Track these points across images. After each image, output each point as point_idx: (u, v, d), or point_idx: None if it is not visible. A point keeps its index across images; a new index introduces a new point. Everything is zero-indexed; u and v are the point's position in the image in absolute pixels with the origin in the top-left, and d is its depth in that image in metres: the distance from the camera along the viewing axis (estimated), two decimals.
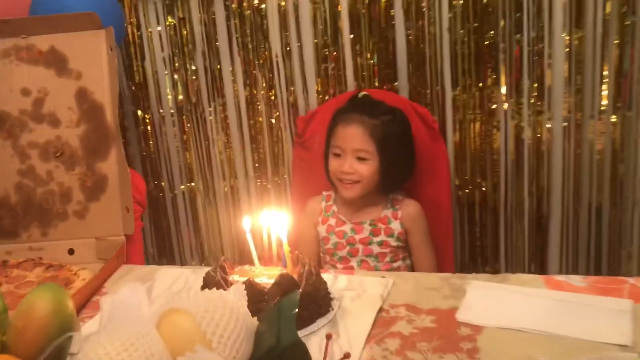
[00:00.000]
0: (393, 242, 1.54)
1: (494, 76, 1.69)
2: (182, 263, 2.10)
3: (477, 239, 1.83)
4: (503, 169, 1.76)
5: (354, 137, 1.50)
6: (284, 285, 1.08)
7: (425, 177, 1.62)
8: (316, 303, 1.11)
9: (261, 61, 1.84)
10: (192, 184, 2.01)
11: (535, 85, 1.67)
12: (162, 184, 2.03)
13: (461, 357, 0.96)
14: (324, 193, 1.65)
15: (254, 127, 1.92)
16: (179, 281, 1.32)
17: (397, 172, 1.54)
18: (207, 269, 1.36)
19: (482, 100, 1.72)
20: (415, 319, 1.08)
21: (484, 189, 1.78)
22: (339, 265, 1.57)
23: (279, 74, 1.85)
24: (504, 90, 1.70)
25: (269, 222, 1.19)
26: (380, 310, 1.12)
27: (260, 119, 1.90)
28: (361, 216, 1.57)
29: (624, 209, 1.68)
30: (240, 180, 1.98)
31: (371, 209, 1.58)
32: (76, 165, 1.44)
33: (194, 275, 1.34)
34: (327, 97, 1.83)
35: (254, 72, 1.86)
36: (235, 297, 0.78)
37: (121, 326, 0.71)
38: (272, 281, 1.10)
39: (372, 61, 1.77)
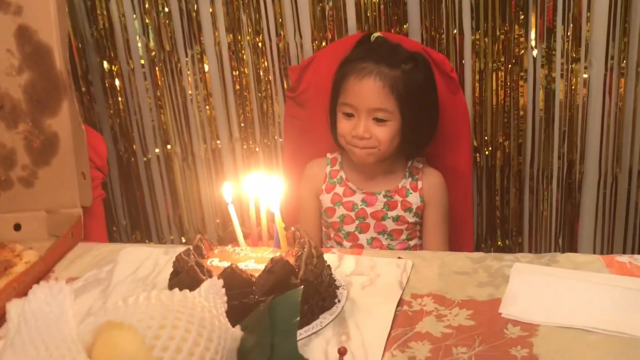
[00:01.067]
0: (410, 218, 1.30)
1: (522, 17, 1.43)
2: (159, 237, 1.85)
3: (497, 208, 1.59)
4: (530, 128, 1.51)
5: (371, 93, 1.22)
6: (277, 272, 0.84)
7: (442, 137, 1.37)
8: (319, 294, 0.87)
9: (246, 0, 1.56)
10: (168, 146, 1.75)
11: (571, 26, 1.41)
12: (134, 147, 1.76)
13: None
14: (329, 155, 1.39)
15: (238, 80, 1.65)
16: (146, 264, 1.08)
17: (421, 134, 1.28)
18: (183, 248, 1.12)
19: (507, 45, 1.45)
20: (446, 315, 0.84)
21: (507, 150, 1.53)
22: (345, 243, 1.32)
23: (267, 16, 1.57)
24: (533, 34, 1.44)
25: (257, 190, 0.94)
26: (400, 302, 0.88)
27: (246, 70, 1.63)
28: (375, 185, 1.32)
29: None
30: (224, 143, 1.72)
31: (387, 177, 1.32)
32: (20, 121, 1.18)
33: (165, 256, 1.10)
34: (323, 44, 1.56)
35: (238, 14, 1.58)
36: (206, 301, 0.53)
37: (32, 347, 0.46)
38: (261, 267, 0.86)
39: None
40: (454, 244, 1.38)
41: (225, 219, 1.78)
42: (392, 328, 0.82)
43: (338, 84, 1.29)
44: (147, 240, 1.86)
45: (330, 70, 1.44)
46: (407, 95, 1.22)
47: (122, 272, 1.05)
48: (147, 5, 1.62)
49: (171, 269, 1.04)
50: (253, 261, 0.89)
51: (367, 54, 1.27)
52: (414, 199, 1.30)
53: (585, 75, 1.43)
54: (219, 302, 0.57)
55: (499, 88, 1.49)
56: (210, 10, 1.60)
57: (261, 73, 1.62)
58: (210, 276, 0.84)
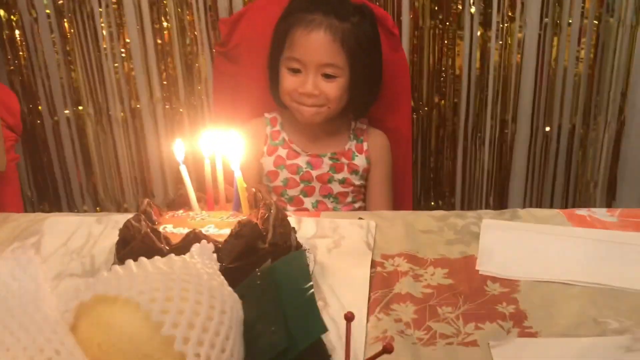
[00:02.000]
0: (357, 181, 1.25)
1: None
2: (70, 209, 1.69)
3: (431, 169, 1.59)
4: (465, 87, 1.50)
5: (321, 47, 1.14)
6: (246, 236, 0.76)
7: (383, 96, 1.32)
8: None
9: None
10: (80, 107, 1.58)
11: None
12: (39, 107, 1.58)
13: (507, 326, 0.70)
14: (267, 115, 1.30)
15: (159, 33, 1.51)
16: (78, 234, 0.96)
17: (368, 91, 1.23)
18: (118, 215, 1.00)
19: (445, 3, 1.43)
20: (422, 274, 0.81)
21: (442, 110, 1.53)
22: (289, 208, 1.25)
23: None
24: None
25: (213, 147, 0.85)
26: (372, 263, 0.83)
27: (169, 24, 1.50)
28: (319, 147, 1.25)
29: (597, 131, 1.50)
30: (144, 103, 1.58)
31: (332, 139, 1.26)
32: None
33: (99, 224, 0.98)
34: None
35: None
36: (204, 266, 0.45)
37: (8, 333, 0.36)
38: (223, 232, 0.78)
39: None
40: (393, 204, 1.35)
41: (146, 188, 1.66)
42: (370, 290, 0.77)
43: (281, 37, 1.20)
44: (57, 212, 1.69)
45: (266, 23, 1.34)
46: (357, 49, 1.16)
47: (50, 244, 0.92)
48: None
49: (108, 241, 0.94)
50: (213, 226, 0.81)
51: (314, 4, 1.18)
52: (360, 161, 1.25)
53: (520, 35, 1.44)
54: (216, 269, 0.49)
55: (436, 47, 1.47)
56: None
57: (186, 26, 1.50)
58: (169, 244, 0.75)
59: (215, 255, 0.52)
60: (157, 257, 0.47)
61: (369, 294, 0.76)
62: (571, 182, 1.56)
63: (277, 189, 1.25)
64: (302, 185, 1.24)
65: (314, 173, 1.24)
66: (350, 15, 1.17)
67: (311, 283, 0.49)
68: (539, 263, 0.80)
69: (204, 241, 0.54)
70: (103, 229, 0.96)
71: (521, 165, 1.57)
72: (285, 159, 1.25)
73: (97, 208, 1.69)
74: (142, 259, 0.46)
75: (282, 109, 1.27)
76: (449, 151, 1.57)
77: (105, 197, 1.68)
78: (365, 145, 1.26)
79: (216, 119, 1.48)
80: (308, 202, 1.25)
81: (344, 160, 1.24)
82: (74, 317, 0.41)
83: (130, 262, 0.46)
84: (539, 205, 1.59)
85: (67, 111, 1.59)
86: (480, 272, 0.80)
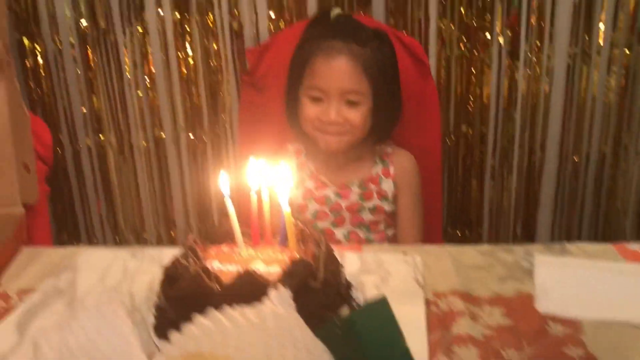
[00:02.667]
0: (387, 207, 1.22)
1: (489, 0, 1.40)
2: (89, 238, 1.66)
3: (458, 198, 1.56)
4: (493, 116, 1.49)
5: (343, 74, 1.13)
6: (299, 275, 0.73)
7: (413, 123, 1.31)
8: (340, 298, 0.77)
9: None
10: (101, 136, 1.56)
11: (536, 14, 1.40)
12: (60, 136, 1.56)
13: None
14: (290, 147, 1.28)
15: (184, 62, 1.49)
16: (113, 270, 0.93)
17: (390, 115, 1.21)
18: (153, 250, 0.98)
19: (472, 32, 1.42)
20: (480, 314, 0.78)
21: (469, 139, 1.51)
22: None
23: None
24: (498, 22, 1.41)
25: (262, 178, 0.82)
26: (425, 302, 0.80)
27: (194, 52, 1.48)
28: (346, 176, 1.23)
29: (628, 161, 1.48)
30: (167, 132, 1.56)
31: (357, 165, 1.23)
32: None
33: (134, 259, 0.96)
34: (281, 24, 1.45)
35: None
36: (289, 316, 0.43)
37: None
38: (274, 270, 0.75)
39: None
40: (423, 231, 1.32)
41: (168, 218, 1.63)
42: (427, 331, 0.74)
43: (301, 66, 1.18)
44: (75, 243, 1.66)
45: (292, 53, 1.34)
46: (379, 75, 1.14)
47: (86, 281, 0.89)
48: None
49: (146, 275, 0.91)
50: (261, 263, 0.78)
51: (332, 31, 1.17)
52: (387, 186, 1.22)
53: (548, 64, 1.43)
54: (300, 318, 0.46)
55: (464, 76, 1.46)
56: None
57: (212, 55, 1.48)
58: (220, 283, 0.72)
59: (293, 303, 0.49)
60: (245, 308, 0.44)
61: (427, 334, 0.73)
62: (600, 212, 1.54)
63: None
64: (332, 217, 1.22)
65: (343, 203, 1.21)
66: (369, 41, 1.15)
67: (403, 338, 0.46)
68: (600, 302, 0.78)
69: (280, 286, 0.51)
70: (139, 264, 0.93)
71: (549, 195, 1.54)
72: (313, 191, 1.23)
73: (116, 238, 1.66)
74: (227, 309, 0.43)
75: (303, 138, 1.25)
76: (476, 180, 1.54)
77: (125, 227, 1.65)
78: (391, 169, 1.23)
79: (241, 149, 1.46)
80: (339, 232, 1.23)
81: (372, 186, 1.21)
82: None
83: (215, 314, 0.43)
84: (568, 235, 1.56)
85: (88, 140, 1.57)
86: (539, 312, 0.77)
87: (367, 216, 1.22)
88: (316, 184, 1.23)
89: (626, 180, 1.50)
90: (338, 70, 1.14)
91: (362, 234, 1.23)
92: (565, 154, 1.50)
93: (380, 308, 0.49)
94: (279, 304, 0.47)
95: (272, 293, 0.50)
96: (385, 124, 1.21)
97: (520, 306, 0.79)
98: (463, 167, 1.53)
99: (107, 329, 0.40)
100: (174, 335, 0.40)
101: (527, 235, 1.58)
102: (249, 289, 0.70)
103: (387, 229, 1.24)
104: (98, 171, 1.60)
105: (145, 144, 1.57)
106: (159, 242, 1.67)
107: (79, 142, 1.57)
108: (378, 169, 1.23)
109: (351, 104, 1.15)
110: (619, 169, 1.50)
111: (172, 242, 1.66)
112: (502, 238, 1.59)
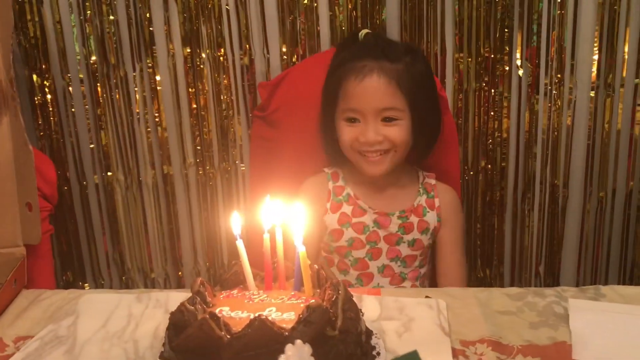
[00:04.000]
0: (426, 241, 1.16)
1: (507, 35, 1.36)
2: (95, 278, 1.60)
3: (478, 236, 1.50)
4: (514, 151, 1.44)
5: (377, 92, 1.09)
6: (316, 323, 0.67)
7: (432, 158, 1.26)
8: (360, 347, 0.71)
9: (207, 10, 1.40)
10: (109, 173, 1.52)
11: (556, 46, 1.36)
12: (67, 173, 1.52)
13: None
14: (327, 170, 1.23)
15: (195, 98, 1.46)
16: (117, 315, 0.88)
17: (430, 132, 1.16)
18: (159, 293, 0.92)
19: (490, 65, 1.38)
20: None
21: (488, 175, 1.45)
22: (352, 272, 1.16)
23: (230, 27, 1.41)
24: (517, 53, 1.38)
25: (275, 219, 0.77)
26: (452, 351, 0.74)
27: (205, 88, 1.45)
28: (387, 204, 1.17)
29: None
30: (175, 168, 1.52)
31: (399, 194, 1.18)
32: None
33: (139, 303, 0.90)
34: (294, 59, 1.42)
35: (197, 24, 1.41)
36: None
37: None
38: (287, 317, 0.70)
39: (353, 12, 1.38)
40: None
41: (174, 257, 1.58)
42: None
43: (333, 90, 1.14)
44: (80, 282, 1.61)
45: (306, 86, 1.31)
46: (414, 89, 1.10)
47: (87, 327, 0.84)
48: (89, 12, 1.41)
49: (151, 320, 0.86)
50: (274, 309, 0.72)
51: (362, 51, 1.13)
52: (431, 218, 1.17)
53: (570, 97, 1.38)
54: None
55: (482, 109, 1.41)
56: (165, 18, 1.41)
57: (222, 90, 1.45)
58: (229, 331, 0.66)
59: (313, 358, 0.44)
60: None
61: None
62: (629, 251, 1.47)
63: (340, 249, 1.17)
64: (368, 247, 1.16)
65: (382, 233, 1.16)
66: (402, 56, 1.12)
67: None
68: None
69: (298, 341, 0.45)
70: (144, 309, 0.88)
71: (574, 233, 1.48)
72: (350, 216, 1.17)
73: (123, 277, 1.61)
74: None
75: (341, 162, 1.20)
76: (496, 217, 1.48)
77: (132, 266, 1.60)
78: (437, 202, 1.18)
79: (252, 185, 1.42)
80: (373, 265, 1.16)
81: (413, 218, 1.16)
82: None
83: None
84: (594, 275, 1.49)
85: (95, 176, 1.53)
86: None
87: (404, 250, 1.16)
88: (354, 210, 1.17)
89: None
90: (371, 88, 1.10)
91: (397, 268, 1.16)
92: (589, 189, 1.44)
93: None
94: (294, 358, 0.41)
95: (289, 348, 0.45)
96: (426, 139, 1.17)
97: (556, 356, 0.72)
98: (482, 203, 1.47)
99: None
100: None
101: (551, 275, 1.51)
102: (261, 338, 0.65)
103: (422, 267, 1.19)
104: (105, 209, 1.55)
105: (153, 180, 1.52)
106: (167, 282, 1.61)
107: (86, 179, 1.53)
108: (422, 199, 1.18)
109: (389, 121, 1.10)
110: None
111: (179, 282, 1.60)
112: (524, 278, 1.53)
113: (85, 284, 1.61)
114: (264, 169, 1.37)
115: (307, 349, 0.45)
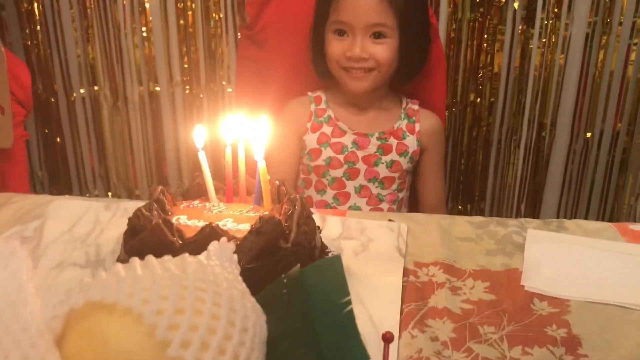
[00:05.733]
0: (405, 164, 1.17)
1: None
2: (82, 192, 1.62)
3: (461, 171, 1.50)
4: (503, 86, 1.41)
5: (369, 6, 1.08)
6: (267, 234, 0.68)
7: (418, 85, 1.24)
8: (312, 261, 0.72)
9: None
10: (96, 87, 1.51)
11: None
12: (55, 86, 1.51)
13: (559, 352, 0.61)
14: (310, 94, 1.22)
15: (182, 15, 1.43)
16: (84, 220, 0.88)
17: (417, 53, 1.15)
18: (128, 202, 0.93)
19: None
20: (461, 287, 0.73)
21: (476, 110, 1.44)
22: (329, 191, 1.18)
23: None
24: None
25: (237, 133, 0.77)
26: (404, 271, 0.75)
27: (193, 4, 1.42)
28: (367, 126, 1.17)
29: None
30: (162, 86, 1.51)
31: (380, 116, 1.19)
32: None
33: (107, 211, 0.91)
34: None
35: None
36: (223, 270, 0.38)
37: None
38: (242, 227, 0.71)
39: None
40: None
41: (160, 174, 1.59)
42: (402, 302, 0.69)
43: (326, 3, 1.13)
44: (66, 195, 1.62)
45: (296, 7, 1.27)
46: (405, 9, 1.09)
47: (54, 230, 0.85)
48: None
49: (116, 227, 0.87)
50: (231, 220, 0.73)
51: None
52: (410, 142, 1.17)
53: (565, 33, 1.35)
54: (237, 274, 0.41)
55: (475, 41, 1.38)
56: None
57: (211, 7, 1.42)
58: (182, 237, 0.67)
59: (236, 256, 0.45)
60: (167, 257, 0.40)
61: (401, 306, 0.68)
62: (610, 193, 1.46)
63: (318, 168, 1.18)
64: (345, 167, 1.16)
65: (360, 154, 1.16)
66: None
67: (349, 297, 0.41)
68: (591, 282, 0.72)
69: (223, 239, 0.46)
70: (111, 216, 0.89)
71: (557, 172, 1.47)
72: (329, 136, 1.17)
73: (109, 193, 1.63)
74: (150, 258, 0.39)
75: (326, 86, 1.20)
76: (481, 153, 1.48)
77: (117, 182, 1.61)
78: (417, 127, 1.18)
79: (238, 107, 1.41)
80: (351, 185, 1.17)
81: (392, 140, 1.16)
82: (63, 327, 0.33)
83: (135, 261, 0.38)
84: (574, 215, 1.50)
85: (82, 90, 1.52)
86: (525, 288, 0.71)
87: (382, 171, 1.17)
88: (334, 131, 1.18)
89: (638, 160, 1.42)
90: (363, 3, 1.09)
91: (374, 189, 1.17)
92: (576, 130, 1.42)
93: (332, 266, 0.44)
94: (215, 256, 0.42)
95: (212, 245, 0.45)
96: (412, 62, 1.15)
97: (506, 281, 0.73)
98: (469, 138, 1.46)
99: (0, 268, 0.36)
100: (83, 282, 0.36)
101: (532, 214, 1.52)
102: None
103: (400, 191, 1.19)
104: (92, 123, 1.56)
105: (140, 97, 1.52)
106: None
107: (73, 92, 1.52)
108: (402, 123, 1.18)
109: (377, 37, 1.09)
110: (632, 147, 1.42)
111: None
112: (505, 215, 1.53)
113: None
114: (250, 91, 1.36)
115: (230, 246, 0.45)
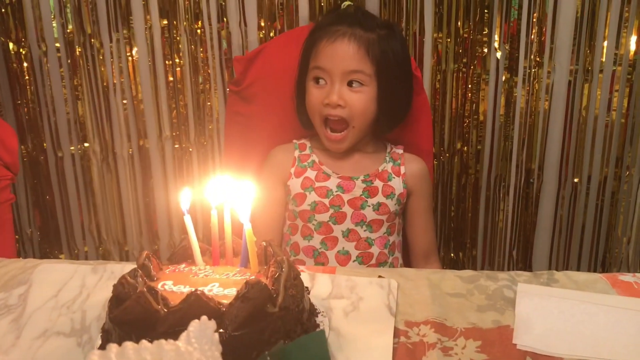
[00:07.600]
0: (392, 206, 1.16)
1: (487, 17, 1.34)
2: (70, 248, 1.61)
3: (452, 219, 1.50)
4: (489, 134, 1.43)
5: (345, 54, 1.10)
6: (254, 299, 0.67)
7: (404, 139, 1.25)
8: (301, 325, 0.71)
9: None
10: (86, 144, 1.52)
11: (536, 29, 1.34)
12: (44, 144, 1.51)
13: None
14: (295, 141, 1.24)
15: (171, 70, 1.45)
16: (70, 285, 0.88)
17: (397, 105, 1.16)
18: (115, 265, 0.92)
19: (469, 46, 1.37)
20: (452, 347, 0.72)
21: (464, 157, 1.45)
22: (316, 236, 1.17)
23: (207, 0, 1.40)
24: (496, 35, 1.36)
25: (222, 195, 0.77)
26: (395, 332, 0.74)
27: (181, 60, 1.44)
28: (352, 169, 1.18)
29: (631, 185, 1.41)
30: (152, 141, 1.51)
31: (365, 160, 1.20)
32: None
33: (94, 275, 0.90)
34: (272, 34, 1.40)
35: None
36: (203, 356, 0.37)
37: None
38: (229, 292, 0.70)
39: None
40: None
41: (150, 229, 1.58)
42: None
43: (307, 53, 1.17)
44: (56, 252, 1.61)
45: (282, 62, 1.29)
46: (383, 60, 1.11)
47: (39, 296, 0.84)
48: None
49: (103, 291, 0.86)
50: (217, 285, 0.72)
51: (339, 18, 1.16)
52: (396, 183, 1.17)
53: (548, 80, 1.37)
54: (218, 356, 0.40)
55: (460, 91, 1.40)
56: None
57: (199, 64, 1.44)
58: (167, 305, 0.67)
59: (217, 336, 0.44)
60: (144, 344, 0.39)
61: None
62: (601, 237, 1.47)
63: (304, 213, 1.17)
64: (331, 211, 1.16)
65: (346, 197, 1.16)
66: (377, 28, 1.14)
67: None
68: (584, 338, 0.71)
69: (204, 318, 0.45)
70: (98, 280, 0.88)
71: (547, 217, 1.48)
72: (314, 180, 1.18)
73: (100, 249, 1.61)
74: (126, 346, 0.38)
75: (311, 135, 1.21)
76: (470, 200, 1.48)
77: (107, 238, 1.60)
78: (402, 169, 1.19)
79: (227, 160, 1.41)
80: (338, 229, 1.17)
81: (378, 182, 1.16)
82: None
83: (111, 350, 0.38)
84: (566, 260, 1.49)
85: (72, 148, 1.52)
86: (518, 347, 0.70)
87: (369, 214, 1.16)
88: (317, 175, 1.18)
89: (628, 204, 1.43)
90: (340, 50, 1.12)
91: (362, 233, 1.16)
92: (564, 175, 1.43)
93: (315, 342, 0.43)
94: (194, 338, 0.41)
95: (192, 324, 0.45)
96: (393, 111, 1.17)
97: (498, 339, 0.72)
98: (457, 186, 1.47)
99: None
100: None
101: (524, 259, 1.51)
102: (196, 313, 0.65)
103: (390, 235, 1.18)
104: (81, 180, 1.55)
105: (130, 153, 1.52)
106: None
107: (62, 150, 1.52)
108: (388, 166, 1.19)
109: (354, 86, 1.11)
110: (620, 192, 1.43)
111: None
112: (497, 262, 1.53)
113: (61, 255, 1.61)
114: (238, 144, 1.37)
115: (211, 325, 0.45)
